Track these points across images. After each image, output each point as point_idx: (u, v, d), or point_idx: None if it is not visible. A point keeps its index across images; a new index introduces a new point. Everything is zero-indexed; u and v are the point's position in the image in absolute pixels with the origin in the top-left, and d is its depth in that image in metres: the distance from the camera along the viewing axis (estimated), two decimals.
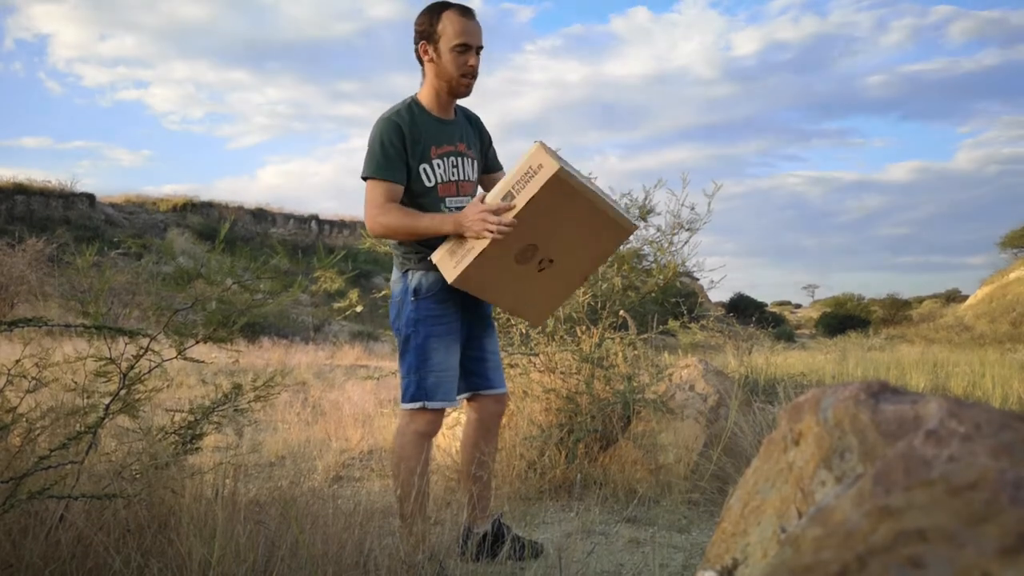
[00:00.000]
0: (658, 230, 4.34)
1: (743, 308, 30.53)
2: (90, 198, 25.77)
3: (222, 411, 2.47)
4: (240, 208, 30.10)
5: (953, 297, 42.52)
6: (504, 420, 3.14)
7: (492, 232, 1.99)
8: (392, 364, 9.99)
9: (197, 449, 2.40)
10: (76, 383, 2.20)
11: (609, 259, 4.31)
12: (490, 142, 2.52)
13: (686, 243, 4.27)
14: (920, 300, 42.48)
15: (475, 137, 2.44)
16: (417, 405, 2.24)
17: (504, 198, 2.04)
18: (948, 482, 0.55)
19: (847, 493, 0.66)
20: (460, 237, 2.09)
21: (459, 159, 2.33)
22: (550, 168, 1.96)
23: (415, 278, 2.28)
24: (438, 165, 2.27)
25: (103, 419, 1.97)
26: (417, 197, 2.24)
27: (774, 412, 3.71)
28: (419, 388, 2.24)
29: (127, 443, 2.25)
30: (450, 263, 2.12)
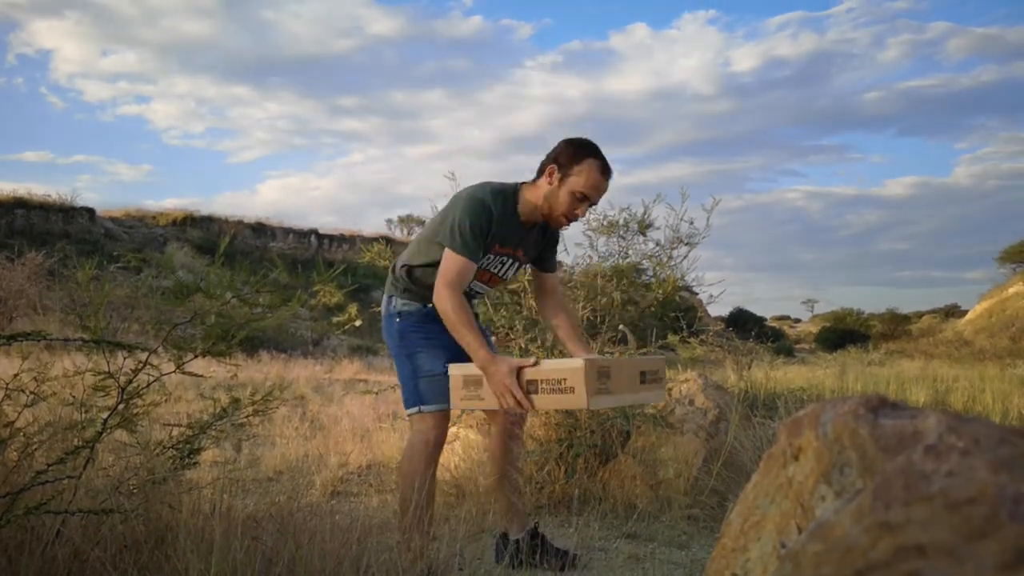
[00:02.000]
0: (657, 245, 4.35)
1: (742, 323, 30.52)
2: (90, 212, 25.83)
3: (220, 426, 2.47)
4: (240, 222, 30.16)
5: (952, 312, 42.57)
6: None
7: (506, 405, 2.08)
8: (391, 379, 9.96)
9: (195, 464, 2.39)
10: (74, 397, 2.19)
11: (617, 273, 4.32)
12: (554, 244, 2.58)
13: (685, 257, 4.28)
14: (919, 315, 42.52)
15: (541, 245, 2.51)
16: (415, 410, 2.31)
17: (530, 387, 2.05)
18: (947, 497, 0.55)
19: (847, 508, 0.66)
20: (479, 375, 2.16)
21: (510, 260, 2.42)
22: (580, 400, 1.96)
23: (397, 304, 2.40)
24: (490, 259, 2.36)
25: (101, 434, 1.97)
26: None
27: (774, 427, 3.70)
28: (414, 394, 2.32)
29: (125, 458, 2.24)
30: (459, 389, 2.22)
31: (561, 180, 2.27)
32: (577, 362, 1.97)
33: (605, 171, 2.28)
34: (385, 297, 2.47)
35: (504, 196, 2.31)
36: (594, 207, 2.40)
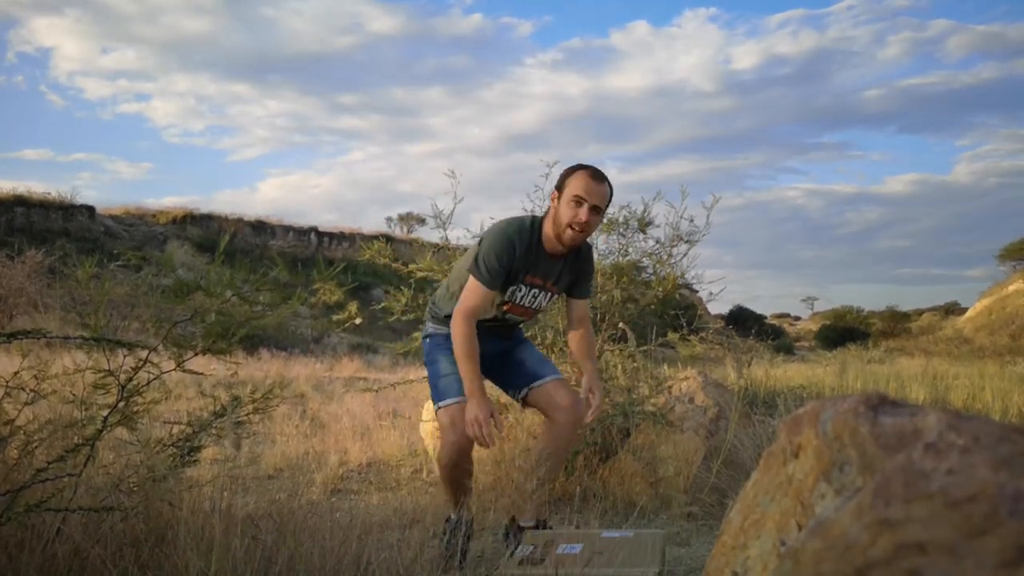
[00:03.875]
0: (657, 242, 4.34)
1: (742, 320, 30.56)
2: (90, 210, 25.81)
3: (220, 424, 2.47)
4: (240, 220, 30.14)
5: (952, 310, 42.58)
6: (504, 432, 3.16)
7: (470, 434, 2.34)
8: (391, 377, 9.96)
9: (195, 462, 2.39)
10: (74, 395, 2.19)
11: (617, 271, 4.32)
12: (588, 273, 2.73)
13: (685, 255, 4.28)
14: (919, 313, 42.53)
15: (572, 274, 2.66)
16: (436, 408, 2.54)
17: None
18: (947, 495, 0.54)
19: (847, 506, 0.66)
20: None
21: (541, 292, 2.62)
22: None
23: (428, 328, 2.77)
24: (519, 289, 2.56)
25: (101, 431, 1.97)
26: None
27: (774, 425, 3.70)
28: (435, 393, 2.58)
29: (125, 455, 2.24)
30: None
31: (560, 197, 2.47)
32: None
33: (595, 176, 2.45)
34: (420, 335, 2.82)
35: (527, 229, 2.52)
36: (602, 213, 2.52)
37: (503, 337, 2.72)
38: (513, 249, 2.46)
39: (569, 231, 2.45)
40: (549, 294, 2.64)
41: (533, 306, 2.63)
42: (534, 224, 2.54)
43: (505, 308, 2.60)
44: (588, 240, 2.66)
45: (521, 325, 2.82)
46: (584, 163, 2.51)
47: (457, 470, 2.44)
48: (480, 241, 2.55)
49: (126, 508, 1.83)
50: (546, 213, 2.55)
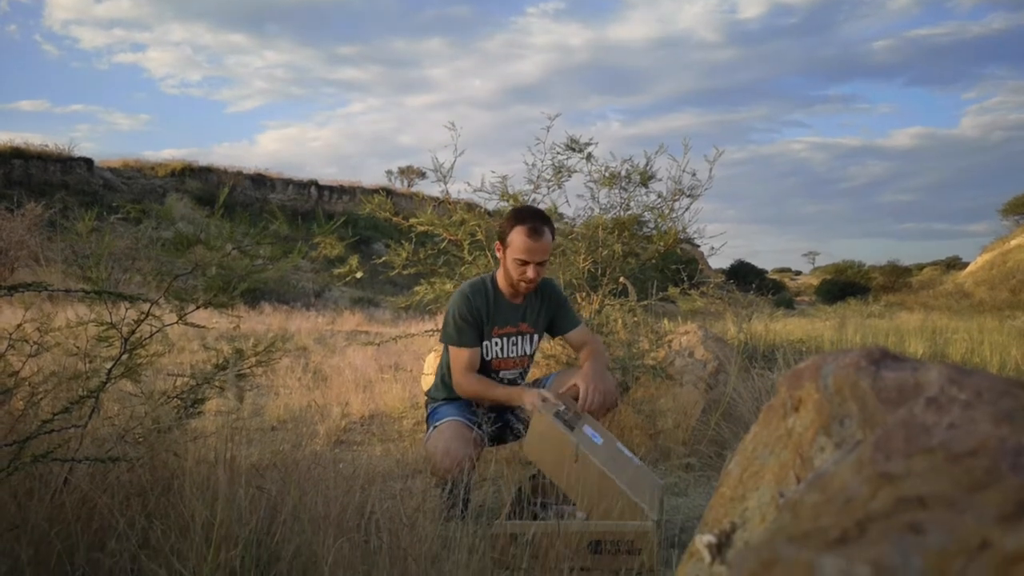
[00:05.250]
0: (659, 196, 4.32)
1: (743, 275, 30.54)
2: (88, 162, 25.60)
3: (223, 376, 2.48)
4: (239, 173, 29.93)
5: (953, 264, 42.49)
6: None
7: (539, 407, 2.34)
8: (392, 331, 10.00)
9: (199, 413, 2.41)
10: (78, 348, 2.20)
11: (618, 225, 4.29)
12: (558, 309, 2.76)
13: (687, 210, 4.26)
14: (920, 267, 42.48)
15: (541, 311, 2.73)
16: (432, 427, 2.61)
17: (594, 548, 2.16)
18: (948, 449, 0.55)
19: (846, 460, 0.67)
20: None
21: (519, 338, 2.70)
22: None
23: (431, 394, 2.81)
24: (496, 343, 2.65)
25: (105, 383, 1.98)
26: None
27: (773, 378, 3.72)
28: (433, 420, 2.62)
29: (130, 407, 2.26)
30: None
31: (504, 252, 2.58)
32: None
33: (532, 233, 2.51)
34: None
35: (481, 285, 2.66)
36: (548, 259, 2.60)
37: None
38: (471, 303, 2.59)
39: (522, 286, 2.59)
40: (527, 336, 2.72)
41: (519, 354, 2.71)
42: (486, 280, 2.68)
43: (494, 367, 2.67)
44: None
45: (522, 379, 2.83)
46: (522, 211, 2.59)
47: (451, 474, 2.37)
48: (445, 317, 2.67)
49: (132, 459, 1.85)
50: (498, 265, 2.67)
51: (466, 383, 2.57)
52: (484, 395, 2.55)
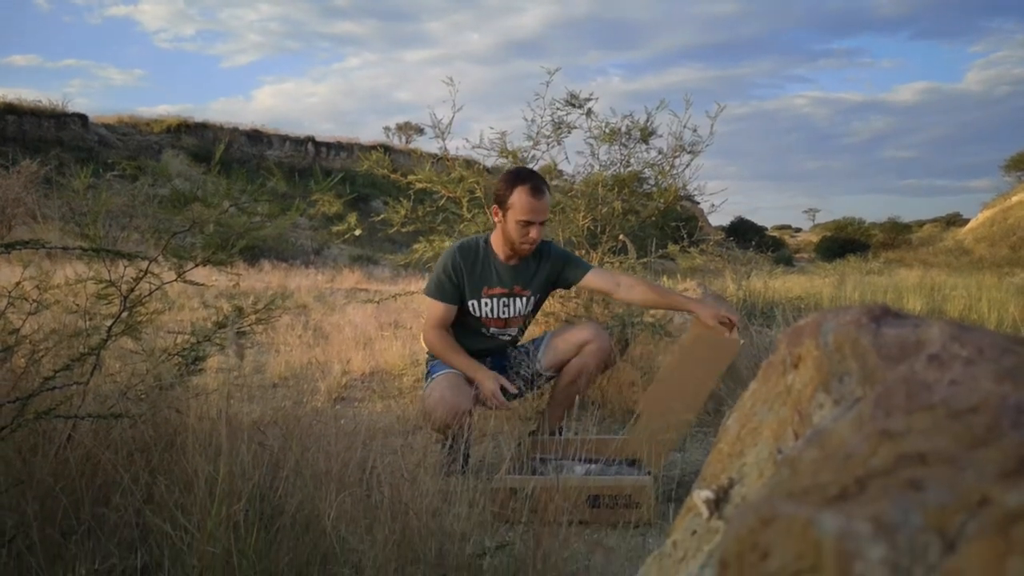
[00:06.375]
0: (660, 153, 4.28)
1: (743, 232, 30.47)
2: (83, 118, 25.31)
3: (223, 334, 2.49)
4: (235, 130, 29.63)
5: (954, 221, 42.41)
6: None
7: (492, 405, 2.47)
8: (392, 288, 9.99)
9: (200, 371, 2.43)
10: (77, 305, 2.20)
11: (618, 182, 4.26)
12: (564, 264, 2.74)
13: (687, 166, 4.23)
14: (921, 224, 42.39)
15: (539, 271, 2.71)
16: (429, 380, 2.62)
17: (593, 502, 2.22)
18: (949, 406, 0.55)
19: (846, 416, 0.67)
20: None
21: (511, 299, 2.69)
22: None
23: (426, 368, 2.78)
24: (486, 303, 2.66)
25: (106, 341, 1.98)
26: (463, 315, 2.67)
27: (771, 335, 3.74)
28: (430, 372, 2.65)
29: (131, 364, 2.27)
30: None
31: (504, 214, 2.55)
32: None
33: (535, 191, 2.49)
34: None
35: (474, 244, 2.67)
36: (546, 223, 2.59)
37: (505, 356, 2.79)
38: (456, 261, 2.60)
39: (525, 247, 2.58)
40: (524, 298, 2.70)
41: (512, 314, 2.69)
42: (479, 240, 2.68)
43: (485, 324, 2.68)
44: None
45: (519, 338, 2.84)
46: (519, 172, 2.56)
47: (449, 427, 2.40)
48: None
49: (134, 415, 1.86)
50: (493, 228, 2.66)
51: (433, 337, 2.60)
52: (444, 358, 2.57)
